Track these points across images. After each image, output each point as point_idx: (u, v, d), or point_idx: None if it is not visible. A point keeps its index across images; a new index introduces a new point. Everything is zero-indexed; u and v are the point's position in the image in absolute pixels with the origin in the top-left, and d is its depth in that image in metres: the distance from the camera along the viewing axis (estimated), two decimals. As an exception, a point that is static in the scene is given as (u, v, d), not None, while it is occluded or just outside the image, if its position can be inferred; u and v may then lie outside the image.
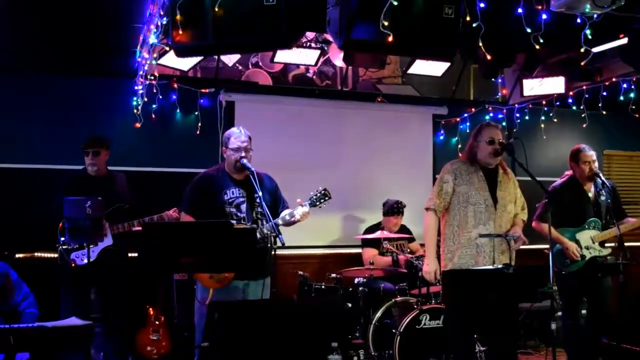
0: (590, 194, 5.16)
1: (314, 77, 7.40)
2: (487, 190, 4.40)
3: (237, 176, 4.40)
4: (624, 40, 5.09)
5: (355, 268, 5.87)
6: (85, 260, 4.52)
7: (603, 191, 5.12)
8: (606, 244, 5.13)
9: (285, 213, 4.34)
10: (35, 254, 5.61)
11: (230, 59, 6.94)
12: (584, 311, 5.10)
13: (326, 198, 4.47)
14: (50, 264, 5.05)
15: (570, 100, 6.98)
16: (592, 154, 5.14)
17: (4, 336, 3.27)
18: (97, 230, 4.52)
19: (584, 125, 7.10)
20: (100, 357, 4.95)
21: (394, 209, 6.23)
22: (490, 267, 4.23)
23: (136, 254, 5.05)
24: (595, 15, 4.12)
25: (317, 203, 4.44)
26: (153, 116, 6.08)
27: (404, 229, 6.36)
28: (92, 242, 4.63)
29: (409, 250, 6.31)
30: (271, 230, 4.10)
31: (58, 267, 4.87)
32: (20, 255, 5.56)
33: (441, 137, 7.39)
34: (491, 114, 7.47)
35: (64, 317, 3.83)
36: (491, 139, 4.41)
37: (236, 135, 4.35)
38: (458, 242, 4.38)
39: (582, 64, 4.96)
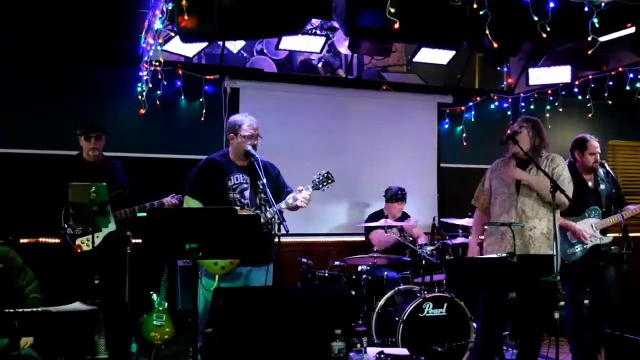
0: (590, 183, 5.17)
1: (319, 65, 7.37)
2: (512, 180, 4.57)
3: (240, 162, 4.39)
4: (631, 30, 5.06)
5: (359, 256, 5.89)
6: (90, 246, 4.52)
7: (604, 180, 5.13)
8: (607, 233, 5.13)
9: (288, 197, 4.34)
10: (40, 239, 5.62)
11: (235, 46, 6.91)
12: (586, 301, 5.12)
13: (329, 181, 4.43)
14: (54, 249, 5.06)
15: (575, 90, 6.95)
16: (598, 145, 5.16)
17: (8, 321, 3.28)
18: (101, 216, 4.50)
19: (590, 115, 7.07)
20: (102, 342, 4.96)
21: (397, 196, 6.28)
22: (494, 255, 4.24)
23: (140, 240, 5.05)
24: (602, 4, 4.11)
25: (320, 186, 4.42)
26: (157, 102, 6.08)
27: (404, 215, 6.39)
28: (97, 229, 4.63)
29: (411, 236, 6.31)
30: (275, 216, 4.09)
31: (62, 252, 4.87)
32: (25, 240, 5.58)
33: (446, 126, 7.38)
34: (496, 103, 7.45)
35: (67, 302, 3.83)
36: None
37: (249, 123, 4.33)
38: (489, 231, 4.72)
39: (589, 53, 4.95)
